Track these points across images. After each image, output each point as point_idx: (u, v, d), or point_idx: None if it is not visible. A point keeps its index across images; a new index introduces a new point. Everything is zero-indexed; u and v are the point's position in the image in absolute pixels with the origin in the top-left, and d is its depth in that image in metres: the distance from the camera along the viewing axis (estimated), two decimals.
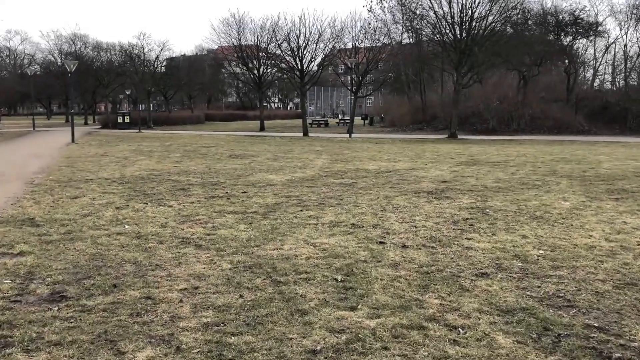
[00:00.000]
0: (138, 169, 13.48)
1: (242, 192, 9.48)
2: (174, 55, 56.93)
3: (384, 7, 38.32)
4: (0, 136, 30.66)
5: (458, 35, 29.36)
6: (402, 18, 39.93)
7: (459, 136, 30.14)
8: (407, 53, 43.57)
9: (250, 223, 6.92)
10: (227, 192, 9.45)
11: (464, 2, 28.56)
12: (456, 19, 29.10)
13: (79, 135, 32.37)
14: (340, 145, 22.93)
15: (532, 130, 35.07)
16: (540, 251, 5.58)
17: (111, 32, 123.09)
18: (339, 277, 4.71)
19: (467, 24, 28.96)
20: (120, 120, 44.68)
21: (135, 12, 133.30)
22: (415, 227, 6.70)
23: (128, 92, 47.91)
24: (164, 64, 53.50)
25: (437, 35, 30.94)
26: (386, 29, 38.09)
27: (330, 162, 15.30)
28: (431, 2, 29.05)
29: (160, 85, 49.30)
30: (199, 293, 4.35)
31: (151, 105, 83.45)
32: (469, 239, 6.09)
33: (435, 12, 29.36)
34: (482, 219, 7.16)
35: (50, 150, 19.86)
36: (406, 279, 4.67)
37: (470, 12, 28.65)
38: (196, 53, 62.29)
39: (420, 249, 5.67)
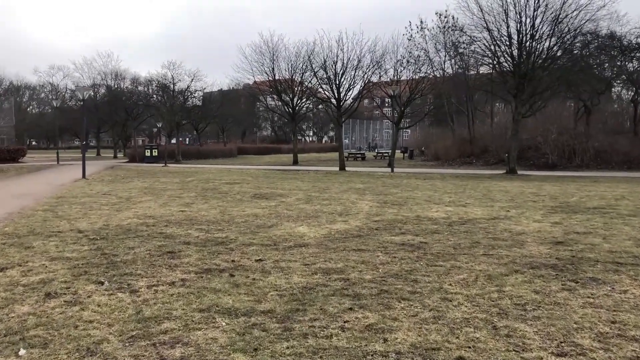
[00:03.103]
0: (132, 215, 10.41)
1: (256, 261, 6.19)
2: (211, 90, 55.07)
3: (425, 35, 35.26)
4: (14, 170, 28.53)
5: (517, 58, 25.89)
6: (445, 45, 36.81)
7: (518, 172, 26.36)
8: (452, 81, 40.35)
9: (256, 348, 3.59)
10: (233, 262, 6.17)
11: (523, 20, 25.20)
12: (515, 39, 25.71)
13: (98, 169, 30.10)
14: (384, 182, 19.55)
15: (598, 165, 30.96)
16: None
17: (143, 65, 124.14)
18: None
19: (528, 45, 25.51)
20: (147, 153, 42.49)
21: (166, 44, 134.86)
22: None
23: (159, 125, 45.97)
24: (200, 97, 51.65)
25: (492, 59, 27.53)
26: (428, 59, 34.91)
27: (379, 205, 11.93)
28: (485, 22, 25.77)
29: (192, 117, 47.22)
30: None
31: (187, 139, 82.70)
32: None
33: (490, 32, 26.03)
34: None
35: (48, 187, 17.14)
36: None
37: (531, 32, 25.23)
38: (231, 87, 60.54)
39: None
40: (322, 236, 7.86)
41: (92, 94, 55.42)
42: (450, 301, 4.59)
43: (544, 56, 26.00)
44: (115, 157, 51.60)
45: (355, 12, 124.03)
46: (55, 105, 59.46)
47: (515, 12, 25.44)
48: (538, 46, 25.88)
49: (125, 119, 50.97)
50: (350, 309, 4.39)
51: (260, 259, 6.27)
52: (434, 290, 4.92)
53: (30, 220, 9.56)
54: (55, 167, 33.55)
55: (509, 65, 26.58)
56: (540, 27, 25.35)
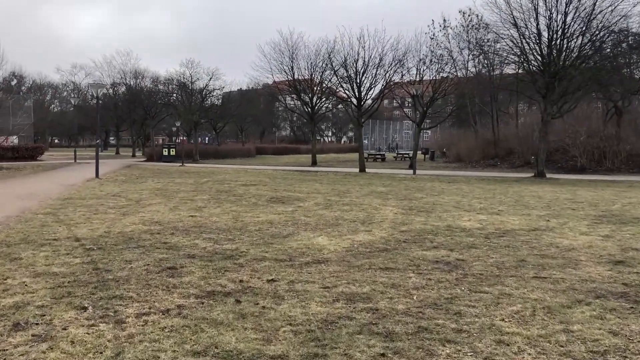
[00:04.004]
0: (138, 220, 9.64)
1: (268, 282, 5.32)
2: (230, 89, 54.52)
3: (448, 34, 34.05)
4: (30, 168, 28.17)
5: (547, 57, 24.62)
6: (469, 44, 35.56)
7: (547, 175, 25.14)
8: (476, 81, 39.08)
9: None
10: (241, 282, 5.30)
11: (554, 16, 23.95)
12: (545, 37, 24.46)
13: (114, 168, 29.60)
14: (406, 185, 18.57)
15: (630, 169, 29.52)
16: None
17: (163, 63, 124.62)
18: None
19: (558, 42, 24.24)
20: (165, 152, 42.02)
21: (184, 43, 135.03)
22: None
23: (178, 124, 45.51)
24: (219, 97, 51.08)
25: (520, 57, 26.29)
26: (451, 58, 33.70)
27: (404, 212, 10.99)
28: (514, 18, 24.54)
29: (210, 116, 46.64)
30: None
31: (206, 138, 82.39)
32: None
33: (518, 29, 24.79)
34: None
35: (58, 187, 16.52)
36: None
37: (562, 29, 23.97)
38: (251, 87, 59.98)
39: None
40: (343, 249, 6.96)
41: (112, 92, 55.35)
42: (508, 345, 3.65)
43: (575, 54, 24.71)
44: (133, 155, 51.30)
45: (376, 10, 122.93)
46: (73, 103, 59.45)
47: (546, 9, 24.23)
48: (569, 44, 24.60)
49: (144, 118, 50.69)
50: (383, 355, 3.48)
51: (272, 279, 5.40)
52: (484, 328, 3.98)
53: (27, 226, 8.83)
54: (72, 165, 33.21)
55: (538, 63, 25.33)
56: (571, 23, 24.09)
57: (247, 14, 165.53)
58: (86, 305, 4.56)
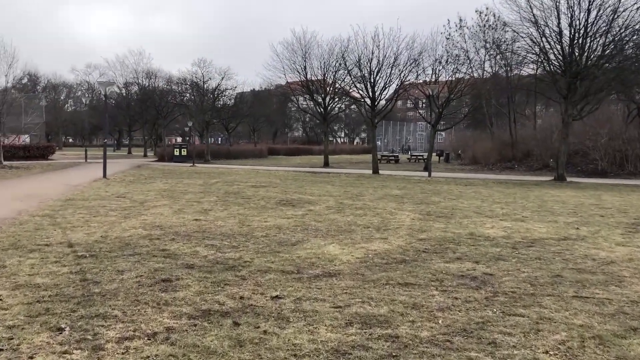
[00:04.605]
0: (139, 224, 9.09)
1: (272, 298, 4.70)
2: (242, 90, 54.06)
3: (464, 34, 33.20)
4: (39, 168, 27.89)
5: (568, 56, 23.74)
6: (485, 44, 34.71)
7: (567, 178, 24.29)
8: (493, 82, 38.19)
9: None
10: (241, 299, 4.68)
11: (577, 14, 23.08)
12: (566, 35, 23.59)
13: (124, 168, 29.26)
14: (422, 188, 17.87)
15: None
16: None
17: (175, 63, 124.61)
18: None
19: (581, 41, 23.37)
20: (176, 152, 41.66)
21: (197, 44, 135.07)
22: None
23: (190, 124, 45.16)
24: (231, 96, 50.64)
25: (540, 56, 25.42)
26: (467, 58, 32.86)
27: (422, 217, 10.32)
28: (534, 16, 23.70)
29: (222, 116, 46.20)
30: None
31: (219, 138, 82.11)
32: None
33: (538, 28, 23.95)
34: None
35: (62, 187, 16.07)
36: None
37: (584, 27, 23.09)
38: (263, 88, 59.56)
39: None
40: (357, 260, 6.32)
41: (125, 92, 55.23)
42: None
43: (598, 54, 23.81)
44: (145, 155, 51.08)
45: (391, 8, 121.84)
46: (83, 102, 59.45)
47: (568, 6, 23.35)
48: (592, 43, 23.71)
49: (155, 118, 50.42)
50: None
51: (277, 296, 4.78)
52: None
53: (20, 229, 8.32)
54: (82, 165, 32.96)
55: (559, 63, 24.46)
56: (595, 22, 23.19)
57: (260, 16, 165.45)
58: (63, 325, 3.98)
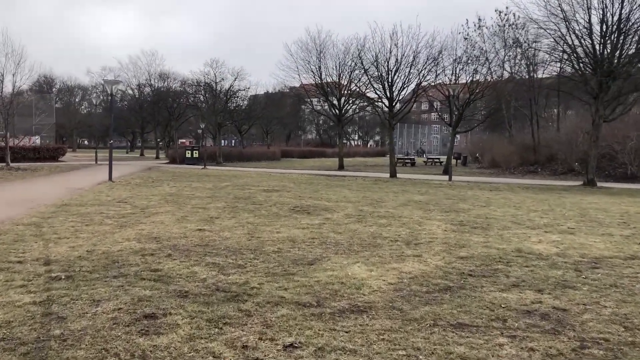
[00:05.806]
0: (134, 235, 7.96)
1: (285, 349, 3.50)
2: (256, 91, 53.12)
3: (484, 34, 31.80)
4: (47, 169, 27.05)
5: (599, 54, 22.29)
6: (505, 44, 33.30)
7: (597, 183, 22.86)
8: (514, 83, 36.72)
9: None
10: (243, 349, 3.49)
11: (609, 7, 21.63)
12: (597, 31, 22.16)
13: (133, 170, 28.34)
14: (446, 193, 16.59)
15: None
16: None
17: (188, 64, 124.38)
18: None
19: (613, 38, 21.92)
20: (188, 155, 40.73)
21: (210, 46, 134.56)
22: None
23: (203, 126, 44.21)
24: (244, 98, 49.72)
25: (569, 54, 23.96)
26: (486, 59, 31.45)
27: (455, 228, 9.07)
28: (562, 11, 22.29)
29: (234, 118, 45.21)
30: None
31: (232, 141, 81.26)
32: None
33: (567, 23, 22.52)
34: None
35: (61, 191, 15.05)
36: None
37: (617, 22, 21.64)
38: (277, 90, 58.61)
39: None
40: (390, 287, 5.12)
41: (137, 94, 54.55)
42: None
43: (632, 51, 22.34)
44: (157, 157, 50.28)
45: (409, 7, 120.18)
46: (94, 103, 59.00)
47: (599, 0, 21.94)
48: (625, 40, 22.24)
49: (168, 119, 49.63)
50: None
51: (292, 344, 3.59)
52: None
53: None
54: (91, 167, 32.14)
55: (589, 60, 23.01)
56: (629, 16, 21.73)
57: (273, 18, 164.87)
58: None
